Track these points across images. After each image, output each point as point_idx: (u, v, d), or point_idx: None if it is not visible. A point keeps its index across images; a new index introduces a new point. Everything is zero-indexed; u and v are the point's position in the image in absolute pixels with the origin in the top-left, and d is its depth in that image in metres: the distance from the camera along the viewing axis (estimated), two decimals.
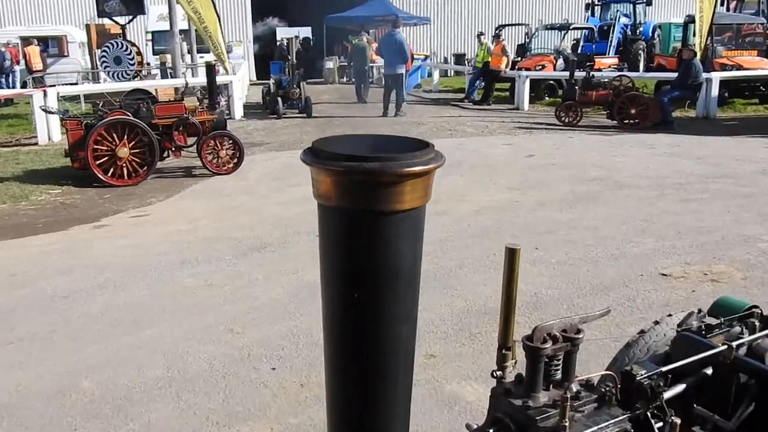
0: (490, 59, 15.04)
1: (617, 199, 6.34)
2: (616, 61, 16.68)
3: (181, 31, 14.41)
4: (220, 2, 16.50)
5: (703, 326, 1.49)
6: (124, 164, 7.29)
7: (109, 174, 7.27)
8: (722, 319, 1.52)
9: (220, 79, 11.21)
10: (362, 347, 0.95)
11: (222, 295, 4.06)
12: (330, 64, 22.25)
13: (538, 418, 1.07)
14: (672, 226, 5.36)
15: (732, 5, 18.39)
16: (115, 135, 7.21)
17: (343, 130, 11.27)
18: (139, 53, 13.28)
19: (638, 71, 16.31)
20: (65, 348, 3.39)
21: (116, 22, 13.52)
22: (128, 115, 7.36)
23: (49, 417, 2.76)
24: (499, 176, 7.45)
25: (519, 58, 16.97)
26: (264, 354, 3.28)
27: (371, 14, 21.21)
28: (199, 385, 3.00)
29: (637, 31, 19.44)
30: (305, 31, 23.80)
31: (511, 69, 15.06)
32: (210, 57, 13.78)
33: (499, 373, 1.11)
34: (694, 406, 1.39)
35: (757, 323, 1.51)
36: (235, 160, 7.92)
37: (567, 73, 12.50)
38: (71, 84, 14.66)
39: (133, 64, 12.89)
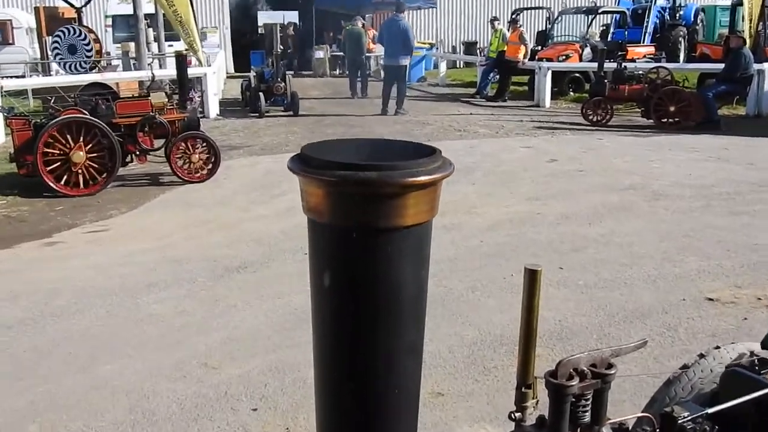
0: (505, 48, 15.14)
1: (655, 211, 6.36)
2: (652, 50, 16.81)
3: (147, 16, 14.52)
4: None
5: (756, 361, 1.50)
6: (80, 171, 7.30)
7: (62, 182, 7.28)
8: None
9: (192, 72, 11.26)
10: (359, 384, 0.96)
11: (195, 324, 4.06)
12: (320, 53, 22.38)
13: None
14: (719, 242, 5.37)
15: None
16: (69, 136, 7.23)
17: (335, 131, 11.32)
18: (97, 41, 13.35)
19: (678, 62, 16.45)
20: (9, 389, 3.39)
21: (71, 5, 13.62)
22: (85, 114, 7.39)
23: None
24: (516, 185, 7.47)
25: (539, 47, 17.09)
26: (244, 392, 3.28)
27: None
28: (168, 430, 2.99)
29: (677, 15, 19.60)
30: (291, 16, 23.95)
31: (530, 59, 15.16)
32: (180, 45, 13.88)
33: (517, 414, 1.12)
34: None
35: None
36: (210, 166, 7.94)
37: (595, 65, 12.58)
38: (17, 77, 14.71)
39: (91, 54, 12.97)
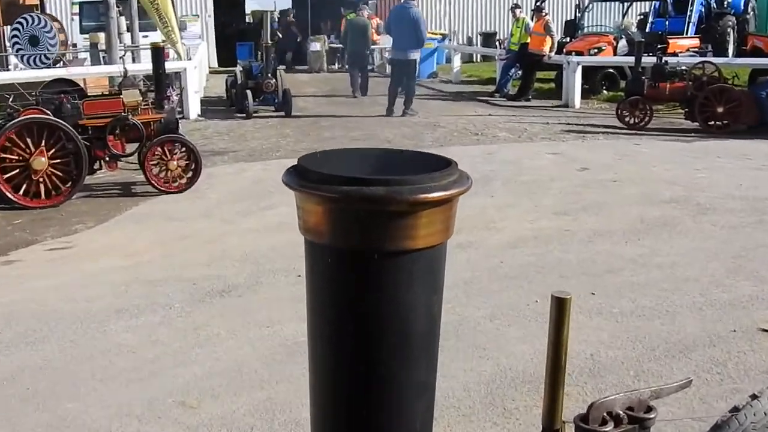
0: (528, 40, 15.20)
1: (701, 227, 6.35)
2: (697, 42, 16.83)
3: (119, 3, 14.59)
4: None
5: None
6: (42, 179, 7.33)
7: (21, 192, 7.31)
8: None
9: (170, 66, 11.34)
10: (363, 427, 0.96)
11: (171, 356, 4.06)
12: (316, 45, 22.50)
13: None
14: None
15: None
16: (29, 140, 7.26)
17: (333, 135, 11.36)
18: (62, 31, 13.46)
19: (726, 56, 16.43)
20: None
21: None
22: (47, 114, 7.43)
23: None
24: (541, 196, 7.48)
25: (567, 39, 17.15)
26: None
27: None
28: None
29: (725, 2, 19.62)
30: (283, 2, 24.13)
31: (556, 53, 15.21)
32: (157, 36, 13.96)
33: None
34: None
35: None
36: (190, 174, 7.97)
37: (631, 59, 12.62)
38: None
39: (55, 46, 13.06)
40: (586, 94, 14.87)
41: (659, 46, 14.30)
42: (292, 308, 4.55)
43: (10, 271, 5.65)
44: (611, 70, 15.61)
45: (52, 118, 7.39)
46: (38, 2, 13.75)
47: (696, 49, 16.21)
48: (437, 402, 2.92)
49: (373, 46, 18.48)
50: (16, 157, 7.27)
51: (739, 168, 8.78)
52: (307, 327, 0.96)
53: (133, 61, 14.87)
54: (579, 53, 15.30)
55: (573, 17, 19.39)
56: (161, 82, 8.32)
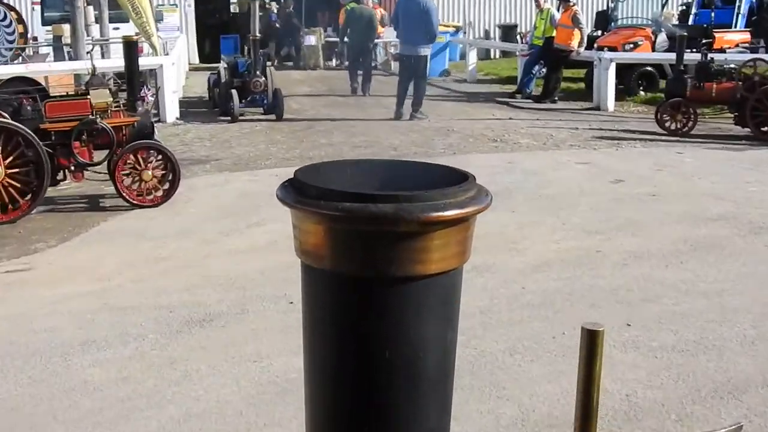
0: (554, 33, 15.25)
1: (753, 249, 6.34)
2: (747, 37, 16.88)
3: None
4: None
5: None
6: None
7: None
8: None
9: (144, 62, 11.39)
10: None
11: (144, 395, 4.05)
12: (311, 39, 22.60)
13: None
14: None
15: None
16: None
17: (331, 142, 11.38)
18: (21, 22, 13.54)
19: None
20: None
21: None
22: (5, 117, 7.46)
23: None
24: (569, 212, 7.48)
25: (599, 33, 17.20)
26: None
27: None
28: None
29: None
30: None
31: (586, 48, 15.24)
32: (130, 29, 14.03)
33: None
34: None
35: None
36: (167, 186, 7.98)
37: (672, 56, 12.64)
38: None
39: (13, 40, 13.15)
40: (620, 96, 14.89)
41: (704, 41, 14.30)
42: (283, 340, 4.55)
43: None
44: (649, 69, 15.64)
45: (10, 121, 7.41)
46: None
47: (746, 45, 16.24)
48: None
49: (377, 40, 18.54)
50: None
51: None
52: (303, 363, 0.96)
53: (103, 56, 14.97)
54: (612, 49, 15.33)
55: (605, 8, 19.45)
56: (134, 80, 8.34)
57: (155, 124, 8.65)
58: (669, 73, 13.30)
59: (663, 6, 17.80)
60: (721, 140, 11.48)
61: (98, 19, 15.87)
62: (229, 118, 13.04)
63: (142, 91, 8.97)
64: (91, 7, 15.74)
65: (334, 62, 23.21)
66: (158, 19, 17.45)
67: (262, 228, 7.04)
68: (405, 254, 0.86)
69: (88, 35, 14.28)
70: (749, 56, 13.10)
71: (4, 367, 4.37)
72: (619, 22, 17.72)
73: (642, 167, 9.57)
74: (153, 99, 11.57)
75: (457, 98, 16.47)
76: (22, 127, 7.39)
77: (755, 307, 5.11)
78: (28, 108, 7.69)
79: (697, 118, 11.82)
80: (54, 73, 12.50)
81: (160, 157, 7.97)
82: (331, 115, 13.85)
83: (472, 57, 19.91)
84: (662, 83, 14.62)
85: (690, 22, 17.96)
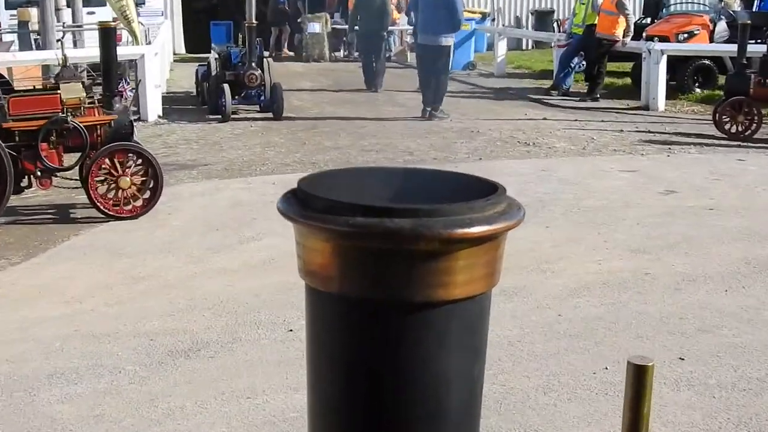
0: (596, 21, 15.26)
1: None
2: None
3: None
4: None
5: None
6: None
7: None
8: None
9: (122, 52, 11.44)
10: None
11: None
12: (316, 27, 22.66)
13: None
14: None
15: None
16: None
17: (337, 145, 11.40)
18: None
19: None
20: None
21: None
22: None
23: None
24: (613, 228, 7.47)
25: (648, 21, 17.20)
26: None
27: None
28: None
29: None
30: None
31: (633, 38, 15.24)
32: (107, 14, 14.10)
33: None
34: None
35: None
36: (147, 194, 8.00)
37: (734, 48, 12.62)
38: None
39: None
40: (672, 93, 14.89)
41: None
42: (281, 373, 4.56)
43: None
44: (706, 62, 15.61)
45: None
46: None
47: None
48: None
49: (392, 28, 18.59)
50: None
51: None
52: (306, 399, 0.97)
53: (75, 45, 15.04)
54: (663, 39, 15.32)
55: None
56: (111, 73, 8.37)
57: (135, 124, 8.68)
58: (729, 67, 13.29)
59: None
60: None
61: (70, 3, 15.95)
62: (219, 116, 13.08)
63: (120, 85, 9.00)
64: None
65: (341, 53, 23.26)
66: (139, 2, 17.55)
67: (257, 243, 7.05)
68: (425, 276, 0.87)
69: (58, 21, 14.35)
70: None
71: None
72: (672, 9, 17.73)
73: (697, 176, 9.55)
74: (132, 94, 11.64)
75: (483, 95, 16.48)
76: None
77: None
78: None
79: (761, 120, 11.80)
80: (19, 63, 12.55)
81: (139, 161, 7.98)
82: (337, 113, 13.87)
83: (501, 48, 19.93)
84: (721, 79, 14.58)
85: (754, 9, 17.94)
